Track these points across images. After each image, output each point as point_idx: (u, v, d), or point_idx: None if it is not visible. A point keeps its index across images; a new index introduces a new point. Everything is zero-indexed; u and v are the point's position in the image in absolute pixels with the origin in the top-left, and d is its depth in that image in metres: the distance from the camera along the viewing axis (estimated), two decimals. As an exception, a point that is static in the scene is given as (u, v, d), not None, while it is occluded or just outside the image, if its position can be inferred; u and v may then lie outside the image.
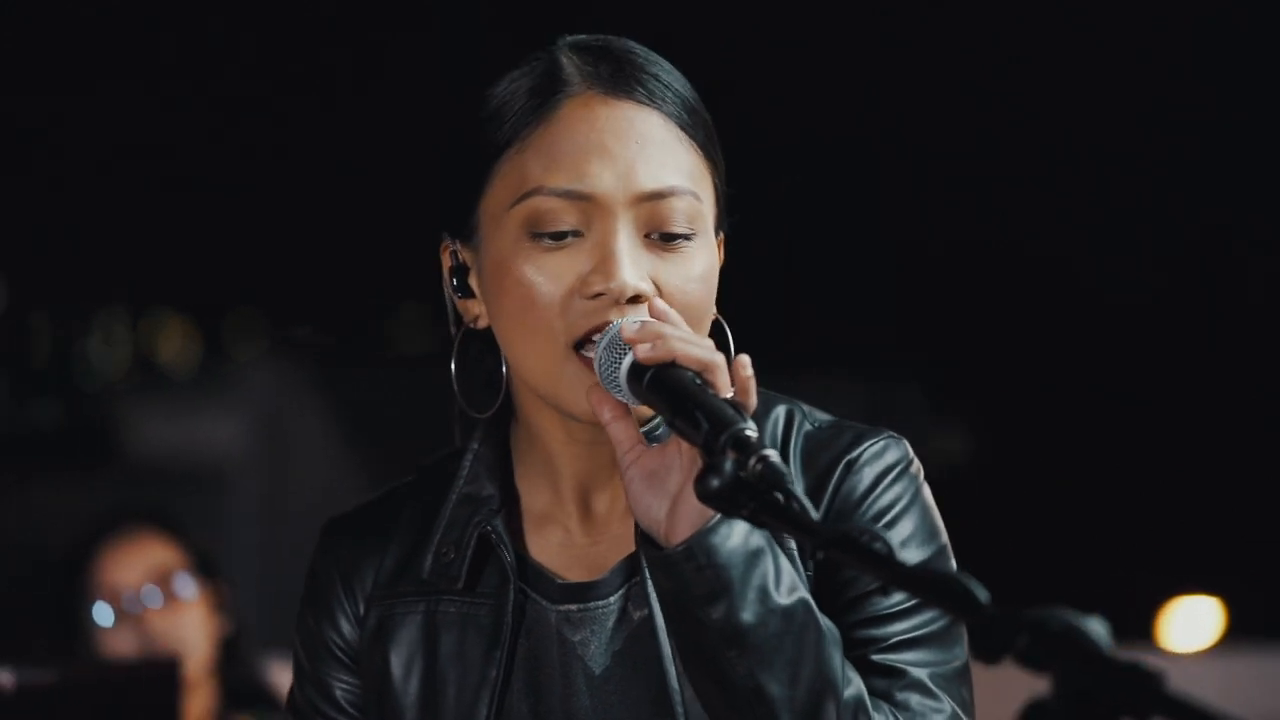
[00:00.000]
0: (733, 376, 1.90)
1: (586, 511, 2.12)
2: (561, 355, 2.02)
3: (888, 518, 2.06)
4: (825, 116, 8.38)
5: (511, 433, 2.17)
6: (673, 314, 1.99)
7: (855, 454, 2.07)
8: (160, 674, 3.44)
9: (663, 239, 2.04)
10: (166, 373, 10.58)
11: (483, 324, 2.11)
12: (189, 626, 4.21)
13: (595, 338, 2.00)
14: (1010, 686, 1.70)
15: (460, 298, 2.13)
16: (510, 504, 2.14)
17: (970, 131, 8.55)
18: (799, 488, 1.76)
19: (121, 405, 10.07)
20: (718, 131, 2.11)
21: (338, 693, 2.18)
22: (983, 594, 1.57)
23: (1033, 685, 1.51)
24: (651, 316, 1.99)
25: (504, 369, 2.11)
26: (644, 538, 1.95)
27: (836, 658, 1.93)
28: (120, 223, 9.20)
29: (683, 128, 2.06)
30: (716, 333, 2.08)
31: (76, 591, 4.23)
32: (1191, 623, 7.47)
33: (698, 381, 1.89)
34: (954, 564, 2.09)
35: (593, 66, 2.07)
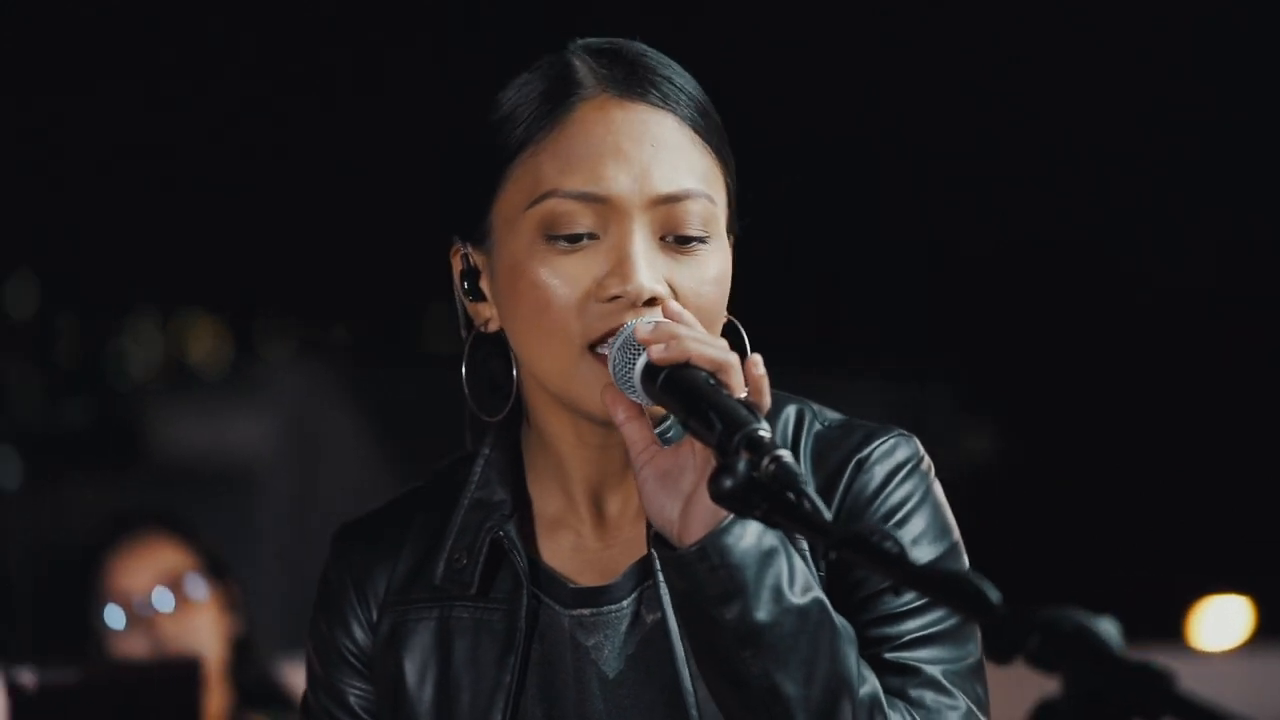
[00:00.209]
0: (746, 376, 1.90)
1: (598, 515, 2.12)
2: (576, 355, 2.02)
3: (899, 516, 2.06)
4: (825, 116, 8.38)
5: (523, 437, 2.17)
6: (687, 315, 1.99)
7: (865, 453, 2.07)
8: (181, 674, 3.44)
9: (677, 241, 2.04)
10: (197, 373, 10.62)
11: (493, 327, 2.11)
12: (201, 628, 4.21)
13: (610, 338, 2.00)
14: (1025, 685, 1.70)
15: (471, 301, 2.13)
16: (522, 509, 2.14)
17: (998, 130, 8.54)
18: (811, 487, 1.76)
19: (152, 405, 10.10)
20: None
21: (351, 699, 2.18)
22: (994, 594, 1.57)
23: (1046, 683, 1.51)
24: (666, 318, 1.99)
25: (515, 372, 2.11)
26: (657, 538, 1.95)
27: (852, 656, 1.93)
28: (152, 224, 9.23)
29: (696, 131, 2.06)
30: (731, 333, 2.08)
31: (87, 596, 4.24)
32: (1221, 622, 7.47)
33: (711, 382, 1.90)
34: (966, 561, 2.09)
35: (606, 69, 2.07)
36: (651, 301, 2.00)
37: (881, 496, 2.06)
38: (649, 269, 2.01)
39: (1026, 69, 8.25)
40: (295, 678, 4.43)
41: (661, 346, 1.93)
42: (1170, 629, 7.36)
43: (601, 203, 2.02)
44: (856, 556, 1.69)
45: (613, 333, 2.00)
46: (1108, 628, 1.51)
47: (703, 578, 1.89)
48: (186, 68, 8.70)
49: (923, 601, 2.02)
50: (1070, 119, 8.45)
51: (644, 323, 1.97)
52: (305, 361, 10.28)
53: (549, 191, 2.03)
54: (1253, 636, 7.36)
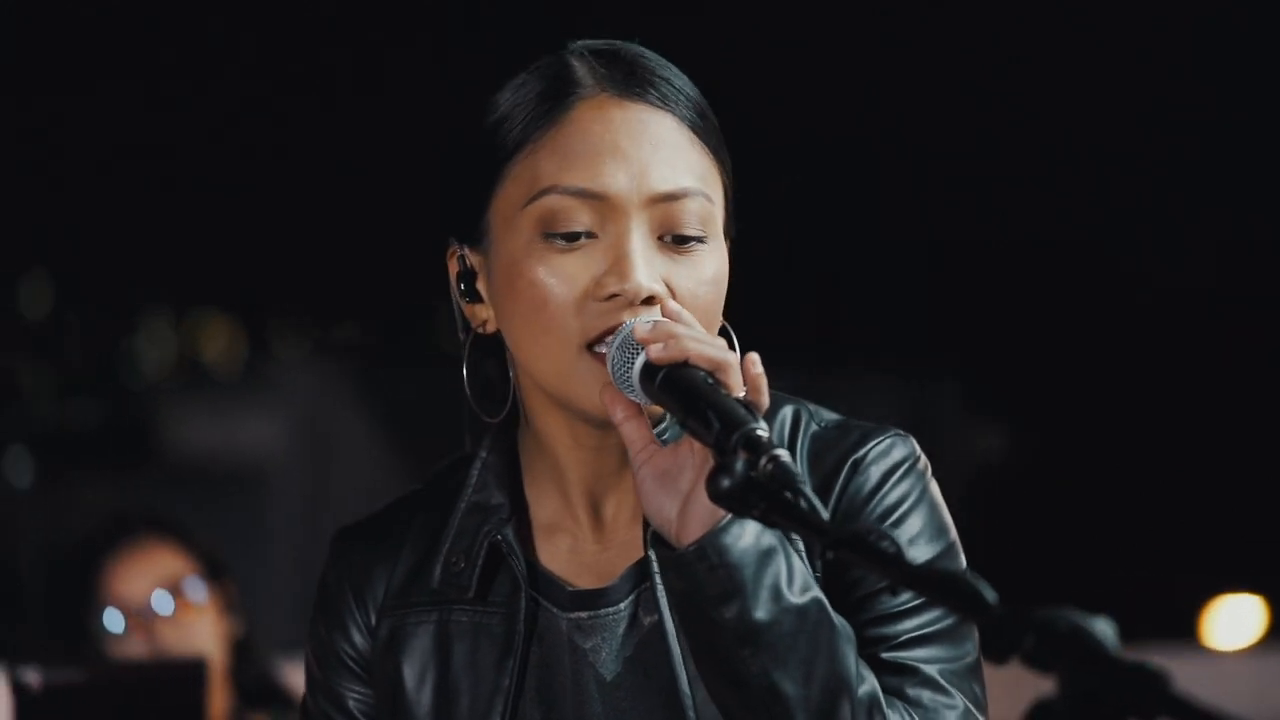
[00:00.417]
0: (743, 375, 1.90)
1: (595, 518, 2.12)
2: (574, 354, 2.02)
3: (895, 515, 2.06)
4: (825, 116, 8.37)
5: (519, 440, 2.17)
6: (686, 314, 1.99)
7: (862, 453, 2.07)
8: (186, 674, 3.44)
9: (675, 241, 2.04)
10: (209, 373, 10.63)
11: (490, 329, 2.11)
12: (201, 631, 4.20)
13: (608, 338, 2.00)
14: (1022, 684, 1.69)
15: (468, 303, 2.13)
16: (519, 512, 2.14)
17: (998, 130, 8.53)
18: (809, 487, 1.76)
19: (164, 405, 10.11)
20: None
21: (350, 702, 2.19)
22: (990, 593, 1.57)
23: (1043, 682, 1.51)
24: (664, 317, 1.99)
25: (511, 374, 2.11)
26: (656, 539, 1.96)
27: (850, 656, 1.93)
28: (165, 224, 9.24)
29: (695, 131, 2.07)
30: (721, 336, 2.08)
31: (85, 600, 4.23)
32: (1234, 621, 7.46)
33: (710, 381, 1.90)
34: (963, 560, 2.09)
35: (605, 69, 2.07)
36: (650, 300, 2.00)
37: (878, 496, 2.06)
38: (647, 267, 2.01)
39: (1026, 69, 8.25)
40: (303, 677, 4.42)
41: (660, 345, 1.93)
42: (1183, 628, 7.35)
43: (599, 200, 2.02)
44: (854, 556, 1.70)
45: (611, 332, 2.00)
46: (1103, 628, 1.51)
47: (701, 577, 1.89)
48: (188, 68, 8.71)
49: (920, 601, 2.02)
50: (1070, 119, 8.44)
51: (642, 322, 1.97)
52: (318, 361, 10.28)
53: (547, 188, 2.03)
54: (1265, 636, 7.35)
